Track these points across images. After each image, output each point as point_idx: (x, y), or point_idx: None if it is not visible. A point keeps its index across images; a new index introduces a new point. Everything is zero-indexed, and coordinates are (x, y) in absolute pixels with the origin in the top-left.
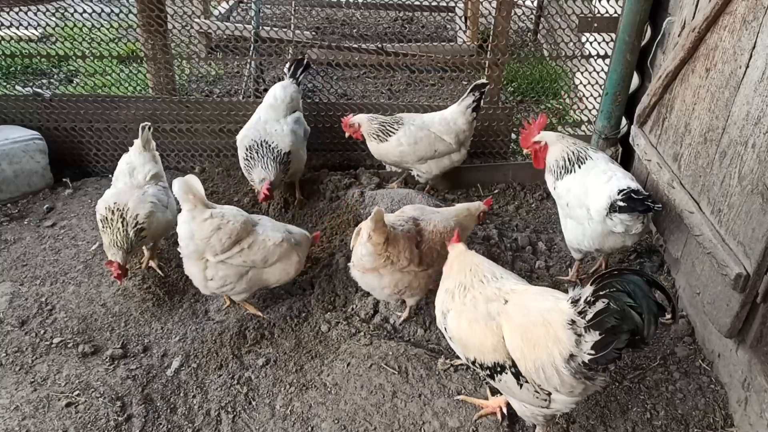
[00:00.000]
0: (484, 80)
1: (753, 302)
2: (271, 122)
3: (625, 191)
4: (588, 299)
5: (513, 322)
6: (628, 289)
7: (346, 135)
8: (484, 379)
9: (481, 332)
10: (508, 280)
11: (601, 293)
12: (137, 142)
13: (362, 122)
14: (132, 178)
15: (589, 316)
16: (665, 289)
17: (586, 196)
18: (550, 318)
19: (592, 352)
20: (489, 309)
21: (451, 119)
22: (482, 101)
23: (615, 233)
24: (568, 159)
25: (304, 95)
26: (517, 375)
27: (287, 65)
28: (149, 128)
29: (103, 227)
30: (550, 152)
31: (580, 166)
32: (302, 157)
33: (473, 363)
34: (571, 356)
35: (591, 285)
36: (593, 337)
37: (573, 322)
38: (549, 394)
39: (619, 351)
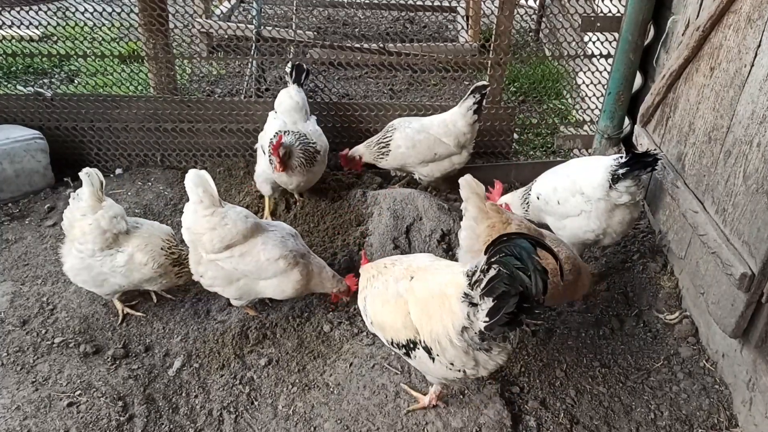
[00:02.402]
0: (484, 82)
1: (758, 302)
2: (300, 123)
3: (622, 158)
4: (483, 268)
5: (416, 297)
6: (515, 252)
7: (345, 168)
8: (401, 357)
9: (392, 311)
10: (420, 258)
11: (492, 260)
12: (88, 192)
13: (362, 153)
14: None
15: (483, 284)
16: (551, 250)
17: (575, 184)
18: (447, 291)
19: (487, 319)
20: (398, 288)
21: (450, 122)
22: (483, 103)
23: (619, 206)
24: (524, 196)
25: (305, 95)
26: (428, 350)
27: (288, 71)
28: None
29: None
30: (512, 203)
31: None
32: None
33: (391, 344)
34: (464, 329)
35: (485, 254)
36: (487, 304)
37: (466, 295)
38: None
39: (510, 315)
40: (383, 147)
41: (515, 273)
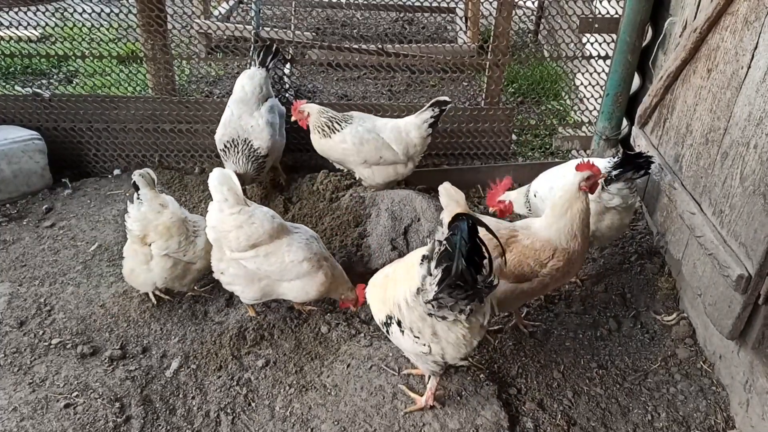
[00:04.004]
0: (446, 98)
1: (755, 304)
2: (245, 117)
3: (614, 160)
4: (441, 242)
5: (395, 274)
6: (455, 232)
7: (292, 119)
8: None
9: (378, 291)
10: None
11: (444, 237)
12: (150, 194)
13: (312, 112)
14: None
15: (436, 256)
16: (491, 231)
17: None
18: (414, 259)
19: (436, 288)
20: (387, 271)
21: (404, 129)
22: (441, 118)
23: (610, 210)
24: (526, 195)
25: (305, 96)
26: (399, 323)
27: (255, 52)
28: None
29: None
30: (516, 201)
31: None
32: (280, 146)
33: (381, 324)
34: (419, 290)
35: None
36: (437, 276)
37: (424, 257)
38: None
39: (454, 288)
40: (329, 127)
41: (452, 251)
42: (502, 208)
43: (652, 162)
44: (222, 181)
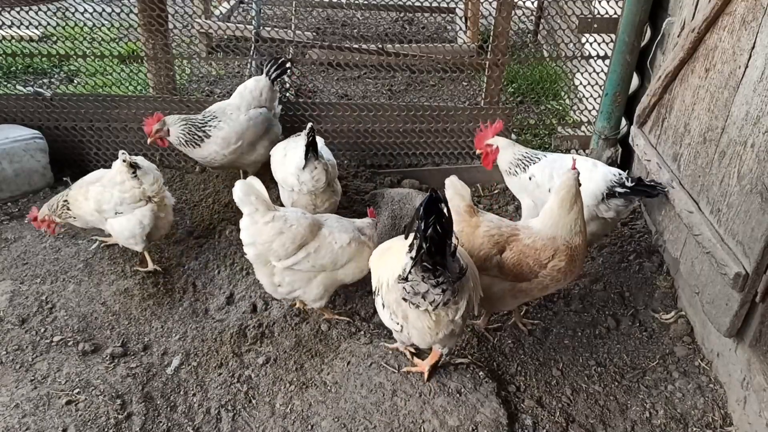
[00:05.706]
0: (310, 124)
1: (752, 301)
2: (231, 105)
3: (626, 179)
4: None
5: (391, 252)
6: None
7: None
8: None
9: (376, 261)
10: None
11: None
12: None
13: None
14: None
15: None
16: (449, 209)
17: None
18: (407, 244)
19: (411, 264)
20: (389, 244)
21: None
22: (309, 146)
23: (600, 218)
24: (518, 163)
25: (305, 96)
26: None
27: (268, 62)
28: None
29: None
30: (502, 157)
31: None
32: (257, 151)
33: (373, 288)
34: (399, 276)
35: None
36: (414, 255)
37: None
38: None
39: (424, 270)
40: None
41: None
42: (488, 151)
43: (665, 192)
44: (247, 192)
